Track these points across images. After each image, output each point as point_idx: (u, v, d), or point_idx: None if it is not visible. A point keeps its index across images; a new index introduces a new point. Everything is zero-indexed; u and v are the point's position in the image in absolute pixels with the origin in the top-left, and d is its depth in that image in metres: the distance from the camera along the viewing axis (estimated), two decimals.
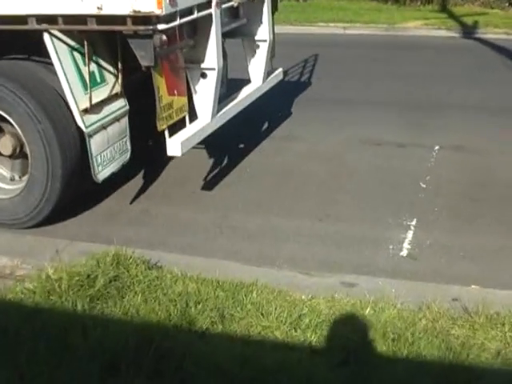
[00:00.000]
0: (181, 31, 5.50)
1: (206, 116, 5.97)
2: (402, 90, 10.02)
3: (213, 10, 5.60)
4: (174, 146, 5.51)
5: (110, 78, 5.88)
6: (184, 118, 5.83)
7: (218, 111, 6.14)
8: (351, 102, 9.48)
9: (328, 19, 15.89)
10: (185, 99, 5.74)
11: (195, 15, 5.36)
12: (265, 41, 7.05)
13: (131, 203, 6.47)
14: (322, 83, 10.39)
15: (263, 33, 7.01)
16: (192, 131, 5.76)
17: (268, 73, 7.41)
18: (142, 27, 4.97)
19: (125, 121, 6.06)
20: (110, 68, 5.87)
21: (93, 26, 5.12)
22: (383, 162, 7.18)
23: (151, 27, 4.95)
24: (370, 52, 12.71)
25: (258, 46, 7.11)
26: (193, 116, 6.02)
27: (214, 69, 5.81)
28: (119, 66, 5.82)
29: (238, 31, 7.01)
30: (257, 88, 7.13)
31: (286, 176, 6.95)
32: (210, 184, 6.80)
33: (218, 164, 7.24)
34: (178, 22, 5.10)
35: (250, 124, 8.18)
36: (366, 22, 15.51)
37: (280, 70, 7.82)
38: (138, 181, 6.77)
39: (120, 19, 5.01)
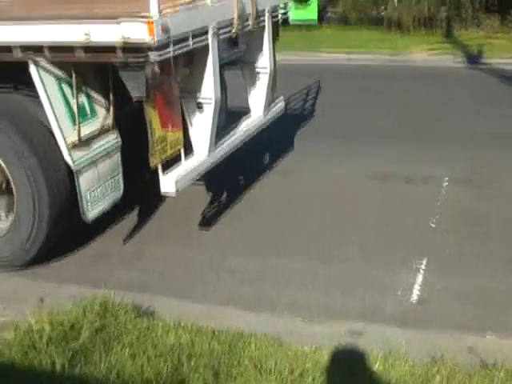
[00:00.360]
0: (176, 60, 5.16)
1: (203, 151, 5.63)
2: (406, 121, 9.67)
3: (209, 40, 5.26)
4: (167, 183, 5.17)
5: (101, 111, 5.57)
6: (179, 152, 5.45)
7: (215, 146, 5.77)
8: (356, 134, 9.12)
9: (332, 46, 15.56)
10: (180, 133, 5.40)
11: (190, 45, 4.99)
12: (265, 69, 6.74)
13: (124, 243, 6.11)
14: (326, 114, 10.04)
15: (264, 61, 6.70)
16: (187, 167, 5.42)
17: (269, 104, 7.05)
18: (132, 57, 4.62)
19: (117, 156, 5.73)
20: (101, 100, 5.56)
21: (80, 55, 4.77)
22: (390, 199, 6.80)
23: (143, 57, 4.59)
24: (374, 81, 12.38)
25: (259, 76, 6.79)
26: (189, 150, 5.65)
27: (210, 100, 5.48)
28: (111, 97, 5.51)
29: (237, 60, 6.69)
30: (257, 121, 6.80)
31: (288, 214, 6.60)
32: (207, 222, 6.45)
33: (216, 200, 6.91)
34: (172, 51, 4.73)
35: (250, 157, 7.83)
36: (369, 48, 15.18)
37: (282, 100, 7.45)
38: (131, 219, 6.42)
39: (109, 48, 4.66)
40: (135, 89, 4.77)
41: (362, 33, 17.83)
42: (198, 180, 6.06)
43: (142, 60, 4.64)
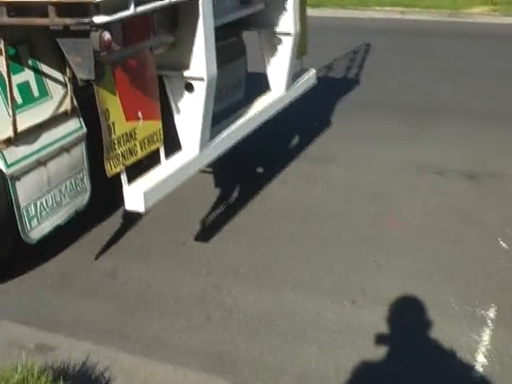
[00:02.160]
0: (148, 23, 3.62)
1: (193, 146, 4.13)
2: (468, 93, 7.96)
3: None
4: (133, 197, 3.66)
5: (56, 90, 4.04)
6: (157, 151, 3.92)
7: (211, 137, 4.23)
8: (406, 107, 7.49)
9: (384, 2, 13.76)
10: (157, 124, 3.87)
11: (166, 0, 3.43)
12: (288, 34, 5.15)
13: (96, 259, 4.72)
14: (372, 81, 8.41)
15: (287, 23, 5.14)
16: (167, 171, 3.88)
17: (294, 77, 5.46)
18: (71, 20, 3.07)
19: (80, 149, 4.29)
20: (56, 76, 4.02)
21: (3, 18, 3.25)
22: (446, 202, 5.20)
23: (86, 20, 3.05)
24: (430, 42, 10.64)
25: (280, 41, 5.23)
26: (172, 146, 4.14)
27: (202, 78, 3.92)
28: (67, 73, 3.97)
29: (253, 21, 5.11)
30: (277, 98, 5.26)
31: (312, 222, 5.09)
32: (207, 232, 5.01)
33: (222, 199, 5.45)
34: (131, 11, 3.18)
35: (273, 137, 6.30)
36: (426, 7, 13.36)
37: (312, 71, 5.89)
38: (107, 227, 4.92)
39: (40, 5, 3.14)
40: (79, 66, 3.30)
41: None
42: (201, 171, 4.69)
43: (85, 24, 3.07)
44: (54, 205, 4.15)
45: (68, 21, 3.13)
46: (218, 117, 4.90)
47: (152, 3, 3.40)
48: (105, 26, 3.16)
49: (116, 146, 3.59)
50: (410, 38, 11.12)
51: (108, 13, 3.16)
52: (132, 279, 4.47)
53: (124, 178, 3.70)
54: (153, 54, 3.82)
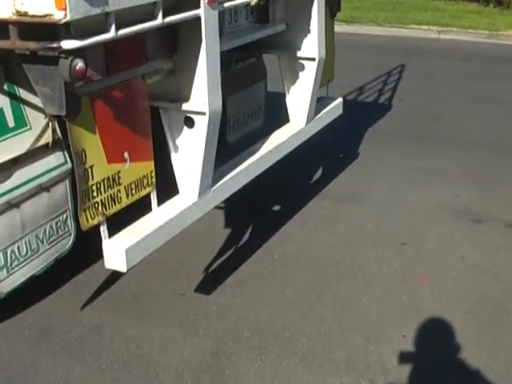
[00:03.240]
0: (139, 47, 3.02)
1: (191, 191, 3.49)
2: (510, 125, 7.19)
3: (202, 11, 3.07)
4: (113, 253, 3.02)
5: (35, 120, 3.47)
6: (148, 196, 3.32)
7: (214, 181, 3.60)
8: (442, 139, 6.81)
9: (421, 21, 13.14)
10: (148, 165, 3.26)
11: (159, 21, 2.82)
12: (312, 59, 4.51)
13: (82, 309, 4.13)
14: (406, 108, 7.76)
15: (310, 46, 4.52)
16: (158, 222, 3.26)
17: (318, 107, 4.81)
18: (34, 44, 2.48)
19: (64, 188, 3.69)
20: (37, 102, 3.44)
21: None
22: (489, 262, 4.49)
23: (53, 45, 2.45)
24: (469, 65, 9.95)
25: (303, 67, 4.59)
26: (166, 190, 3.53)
27: (203, 113, 3.28)
28: None
29: (273, 42, 4.51)
30: (296, 132, 4.62)
31: (330, 276, 4.46)
32: (209, 281, 4.40)
33: (230, 241, 4.85)
34: (112, 34, 2.57)
35: (292, 169, 5.68)
36: (463, 27, 12.69)
37: (338, 101, 5.25)
38: (98, 272, 4.33)
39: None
40: (48, 99, 2.68)
41: (457, 5, 15.21)
42: None
43: (53, 49, 2.47)
44: (29, 253, 3.56)
45: (32, 45, 2.55)
46: (234, 147, 4.46)
47: (139, 25, 2.76)
48: (77, 53, 2.53)
49: (94, 194, 2.99)
50: (447, 59, 10.43)
51: (82, 36, 2.55)
52: (119, 337, 3.88)
53: (104, 230, 3.09)
54: (145, 83, 3.21)
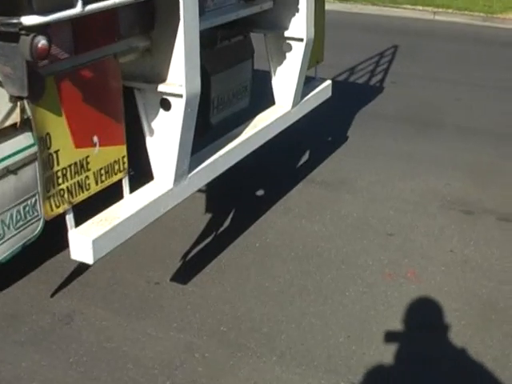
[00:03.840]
0: (110, 24, 2.79)
1: (166, 177, 3.27)
2: (507, 110, 6.98)
3: None
4: (79, 244, 2.81)
5: (2, 99, 3.22)
6: (120, 183, 3.10)
7: (191, 166, 3.38)
8: (435, 125, 6.60)
9: (416, 1, 12.89)
10: (120, 150, 3.05)
11: None
12: (300, 40, 4.28)
13: (52, 296, 3.93)
14: (397, 91, 7.55)
15: (298, 26, 4.29)
16: (129, 210, 3.05)
17: (305, 90, 4.59)
18: None
19: (33, 170, 3.43)
20: None
21: None
22: (479, 257, 4.32)
23: (13, 20, 2.23)
24: (464, 48, 9.72)
25: (290, 48, 4.35)
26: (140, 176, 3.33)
27: (180, 95, 3.06)
28: None
29: (259, 21, 4.28)
30: (281, 115, 4.37)
31: (313, 267, 4.26)
32: (187, 269, 4.20)
33: (211, 227, 4.65)
34: (78, 9, 2.34)
35: (277, 153, 5.50)
36: (459, 9, 12.43)
37: (327, 83, 5.02)
38: (68, 258, 4.10)
39: None
40: (8, 78, 2.43)
41: None
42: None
43: (13, 25, 2.25)
44: None
45: None
46: (218, 129, 4.25)
47: (108, 0, 2.53)
48: (39, 29, 2.30)
49: (60, 181, 2.78)
50: (442, 41, 10.21)
51: (45, 11, 2.31)
52: (89, 327, 3.70)
53: (70, 219, 2.88)
54: (117, 63, 2.98)
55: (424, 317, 3.78)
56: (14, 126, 3.40)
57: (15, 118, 3.39)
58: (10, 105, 3.31)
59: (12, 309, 3.84)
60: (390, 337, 3.55)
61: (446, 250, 4.39)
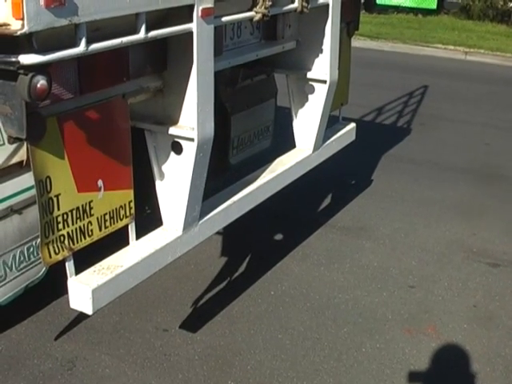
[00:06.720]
0: (119, 63, 2.66)
1: (175, 224, 3.11)
2: None
3: (194, 26, 2.71)
4: (78, 293, 2.66)
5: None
6: (126, 229, 2.96)
7: (203, 212, 3.23)
8: (462, 170, 6.40)
9: (448, 40, 12.76)
10: (127, 194, 2.90)
11: (140, 36, 2.46)
12: (323, 82, 4.11)
13: (56, 340, 3.77)
14: (425, 134, 7.35)
15: (322, 68, 4.13)
16: (134, 258, 2.90)
17: (328, 133, 4.45)
18: None
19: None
20: None
21: None
22: (504, 314, 4.14)
23: (12, 59, 2.10)
24: (496, 89, 9.53)
25: (312, 89, 4.20)
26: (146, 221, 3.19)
27: (192, 139, 2.91)
28: None
29: (281, 61, 4.14)
30: (301, 159, 4.24)
31: (329, 319, 4.07)
32: (197, 317, 4.03)
33: (225, 273, 4.49)
34: (82, 49, 2.20)
35: (296, 196, 5.39)
36: (491, 49, 12.27)
37: (351, 126, 4.85)
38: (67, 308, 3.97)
39: None
40: (7, 119, 2.29)
41: (486, 25, 14.82)
42: None
43: (12, 64, 2.12)
44: None
45: None
46: (238, 169, 4.24)
47: (116, 39, 2.40)
48: (39, 69, 2.17)
49: (60, 226, 2.63)
50: (473, 82, 10.04)
51: (47, 50, 2.18)
52: (92, 375, 3.55)
53: (70, 267, 2.74)
54: (126, 103, 2.84)
55: (443, 379, 3.55)
56: (19, 164, 3.28)
57: (22, 155, 3.28)
58: (16, 142, 3.18)
59: (14, 350, 3.71)
60: None
61: (470, 305, 4.17)
